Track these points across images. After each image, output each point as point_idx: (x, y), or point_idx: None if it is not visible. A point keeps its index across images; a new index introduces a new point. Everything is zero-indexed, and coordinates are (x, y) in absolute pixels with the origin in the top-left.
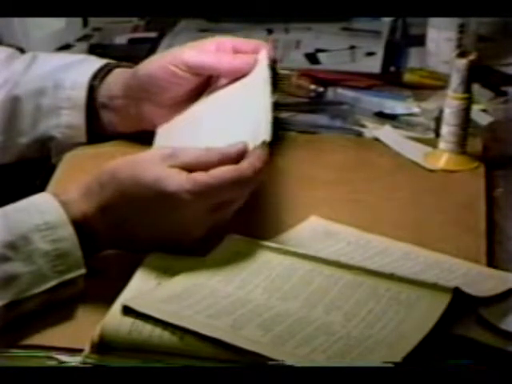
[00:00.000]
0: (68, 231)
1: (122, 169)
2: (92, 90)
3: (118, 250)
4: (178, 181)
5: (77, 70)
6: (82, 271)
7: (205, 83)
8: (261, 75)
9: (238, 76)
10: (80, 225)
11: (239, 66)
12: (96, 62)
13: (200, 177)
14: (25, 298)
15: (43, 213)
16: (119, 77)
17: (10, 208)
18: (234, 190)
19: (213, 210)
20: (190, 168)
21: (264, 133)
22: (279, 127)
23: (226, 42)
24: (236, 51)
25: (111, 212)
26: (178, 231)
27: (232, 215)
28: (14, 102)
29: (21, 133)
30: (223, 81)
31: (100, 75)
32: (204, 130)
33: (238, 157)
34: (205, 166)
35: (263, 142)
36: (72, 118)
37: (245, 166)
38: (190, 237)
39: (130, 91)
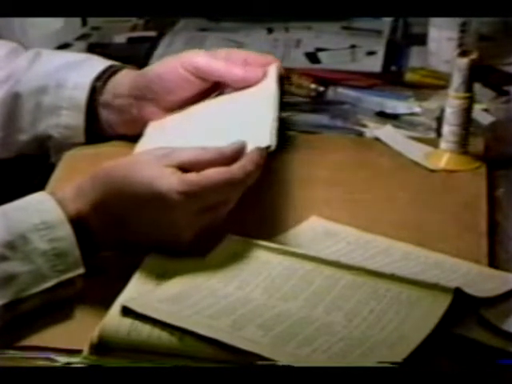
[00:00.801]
0: (66, 231)
1: (116, 168)
2: (94, 91)
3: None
4: (169, 181)
5: (80, 71)
6: (81, 271)
7: (210, 90)
8: (269, 88)
9: (245, 86)
10: (75, 223)
11: (248, 77)
12: (100, 63)
13: (191, 177)
14: (24, 298)
15: (41, 212)
16: (126, 76)
17: (8, 207)
18: (224, 191)
19: (203, 211)
20: (186, 167)
21: (268, 139)
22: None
23: (237, 53)
24: (246, 64)
25: (104, 210)
26: (168, 232)
27: (225, 217)
28: (15, 99)
29: (20, 130)
30: (229, 90)
31: (104, 77)
32: (197, 130)
33: (236, 156)
34: (202, 166)
35: (267, 148)
36: (71, 119)
37: (236, 167)
38: (178, 238)
39: (136, 90)
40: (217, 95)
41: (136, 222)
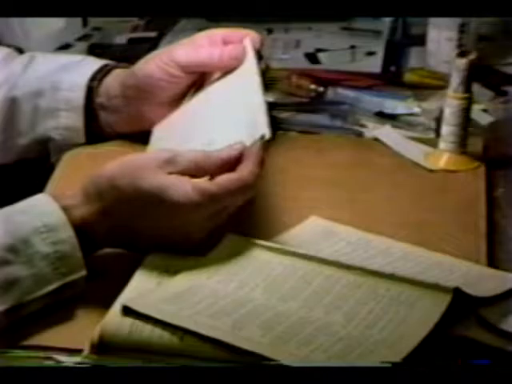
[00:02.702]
0: (68, 233)
1: (120, 176)
2: (90, 91)
3: (118, 250)
4: (183, 191)
5: (75, 72)
6: (83, 273)
7: (201, 78)
8: (250, 67)
9: (229, 69)
10: (80, 229)
11: (228, 60)
12: (94, 63)
13: (206, 187)
14: (26, 302)
15: (43, 215)
16: (117, 77)
17: (10, 210)
18: (238, 198)
19: (215, 215)
20: (188, 173)
21: (261, 126)
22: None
23: (217, 34)
24: (226, 42)
25: (112, 219)
26: (181, 237)
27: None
28: (12, 104)
29: (19, 134)
30: (218, 74)
31: (98, 76)
32: (200, 127)
33: (237, 160)
34: (204, 171)
35: (262, 137)
36: (70, 120)
37: (246, 174)
38: (191, 241)
39: (129, 91)
40: (206, 85)
41: (146, 228)
